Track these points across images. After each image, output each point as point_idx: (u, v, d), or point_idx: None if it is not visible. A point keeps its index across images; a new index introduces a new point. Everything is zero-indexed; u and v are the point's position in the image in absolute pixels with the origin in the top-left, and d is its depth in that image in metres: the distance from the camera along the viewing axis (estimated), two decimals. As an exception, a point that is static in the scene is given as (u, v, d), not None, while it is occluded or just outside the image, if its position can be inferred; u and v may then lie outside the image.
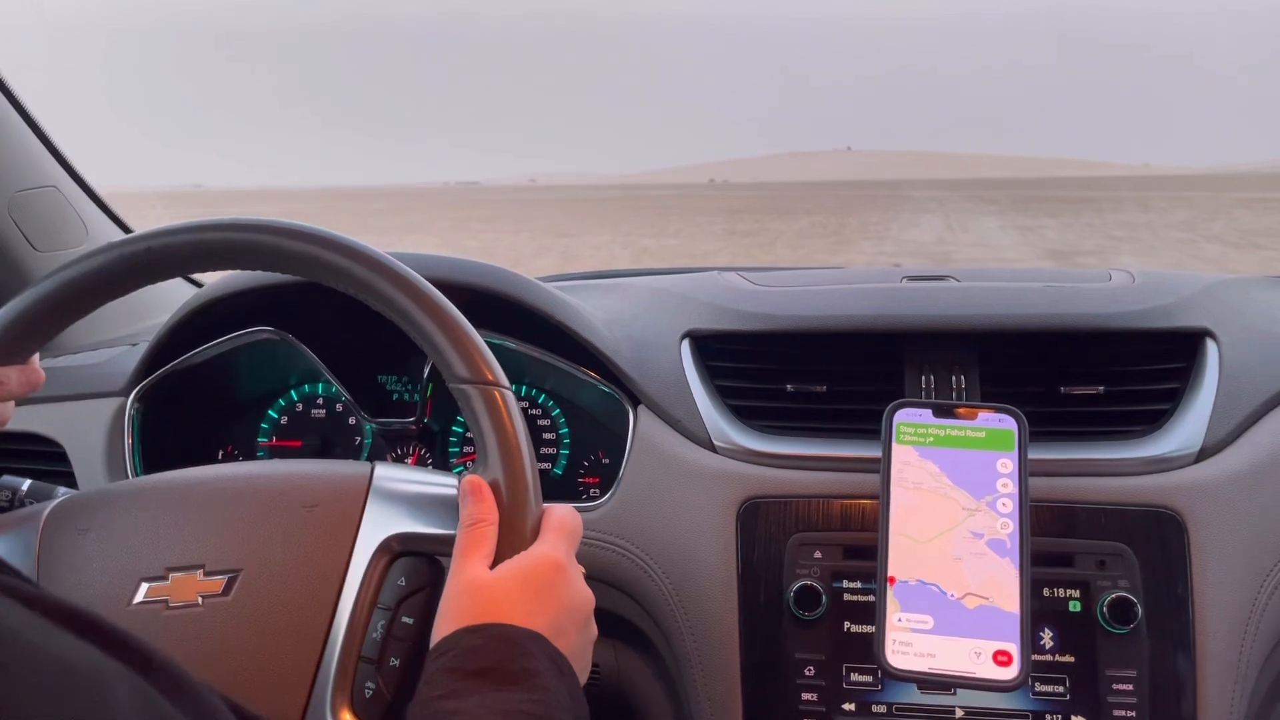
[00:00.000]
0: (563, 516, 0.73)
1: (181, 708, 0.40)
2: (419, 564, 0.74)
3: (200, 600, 0.70)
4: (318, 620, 0.69)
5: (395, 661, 0.70)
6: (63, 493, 0.85)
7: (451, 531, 0.71)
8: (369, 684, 0.69)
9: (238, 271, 1.14)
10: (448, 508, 0.74)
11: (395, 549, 0.73)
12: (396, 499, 0.74)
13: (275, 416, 1.25)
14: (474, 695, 0.60)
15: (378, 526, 0.73)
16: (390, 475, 0.76)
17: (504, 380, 0.73)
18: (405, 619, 0.72)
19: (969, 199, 46.73)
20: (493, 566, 0.68)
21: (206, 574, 0.71)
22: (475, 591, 0.66)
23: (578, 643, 0.69)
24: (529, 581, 0.67)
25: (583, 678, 0.69)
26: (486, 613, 0.65)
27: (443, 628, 0.65)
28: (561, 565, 0.69)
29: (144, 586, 0.71)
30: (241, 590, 0.70)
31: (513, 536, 0.70)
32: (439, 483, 0.76)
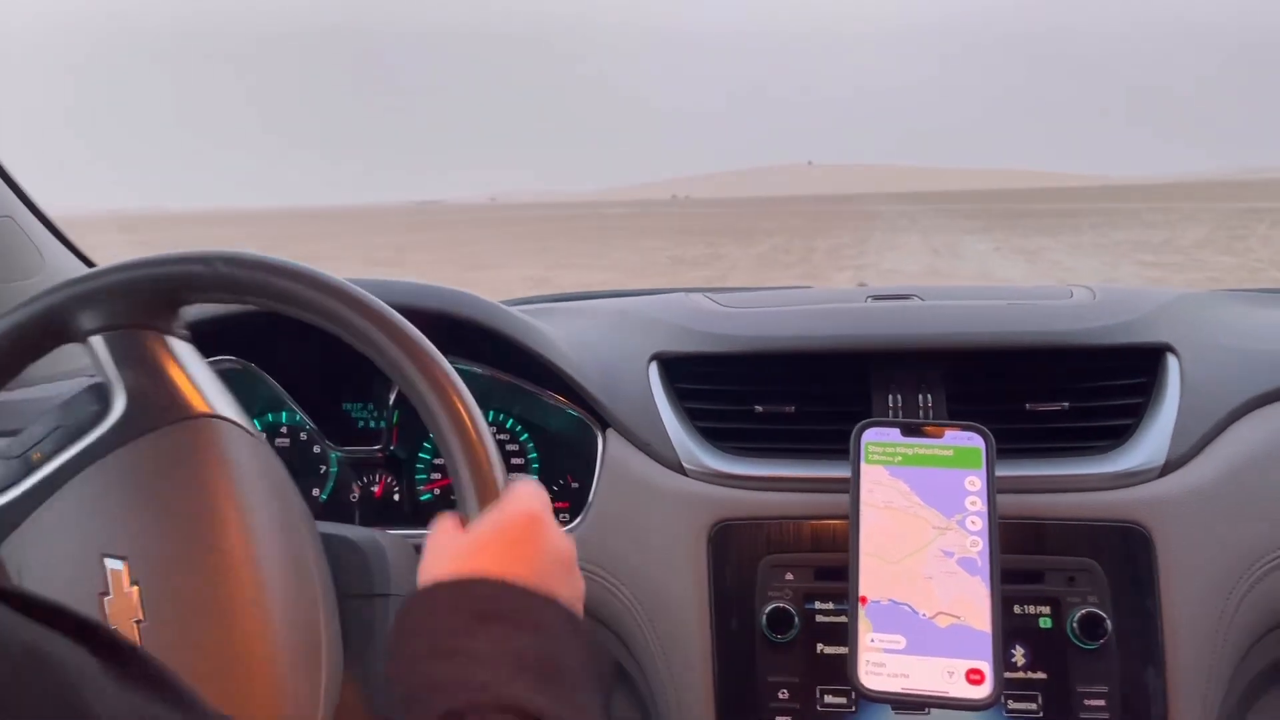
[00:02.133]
0: (528, 481, 0.71)
1: (162, 697, 0.39)
2: None
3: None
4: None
5: None
6: None
7: None
8: None
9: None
10: None
11: None
12: None
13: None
14: (480, 636, 0.57)
15: None
16: None
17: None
18: None
19: (941, 213, 45.30)
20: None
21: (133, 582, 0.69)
22: (448, 547, 0.65)
23: (566, 593, 0.65)
24: (504, 533, 0.65)
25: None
26: (466, 567, 0.62)
27: (420, 582, 0.63)
28: (537, 515, 0.67)
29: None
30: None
31: (477, 500, 0.68)
32: None
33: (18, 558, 0.70)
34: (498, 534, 0.65)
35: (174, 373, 0.73)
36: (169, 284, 0.73)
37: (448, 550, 0.65)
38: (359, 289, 0.72)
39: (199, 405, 0.73)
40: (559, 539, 0.67)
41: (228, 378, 1.14)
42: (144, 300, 0.74)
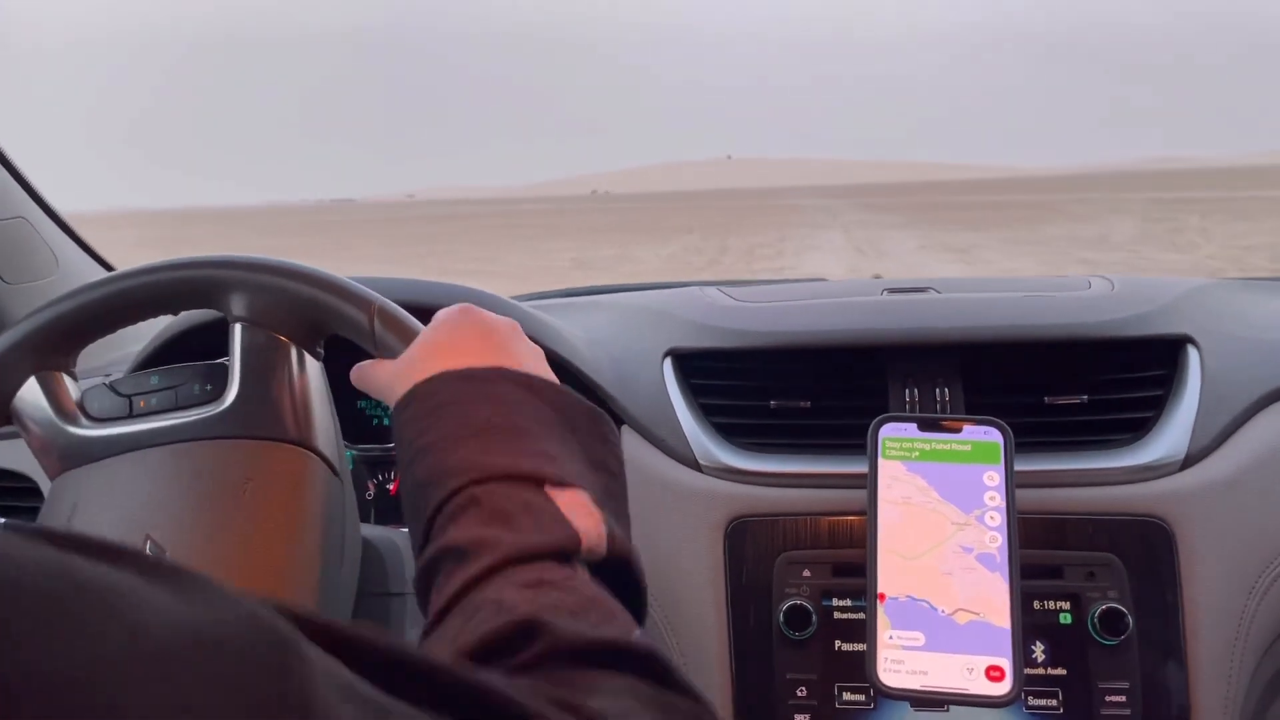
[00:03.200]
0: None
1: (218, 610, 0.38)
2: None
3: None
4: None
5: None
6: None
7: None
8: None
9: None
10: None
11: None
12: None
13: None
14: (440, 425, 0.59)
15: None
16: None
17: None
18: None
19: (861, 207, 43.49)
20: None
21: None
22: (392, 378, 0.65)
23: (529, 359, 0.66)
24: (433, 338, 0.66)
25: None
26: (425, 368, 0.63)
27: (393, 394, 0.64)
28: (466, 309, 0.67)
29: None
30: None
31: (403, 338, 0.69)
32: None
33: (72, 494, 0.70)
34: (428, 345, 0.65)
35: (291, 392, 0.74)
36: (325, 315, 0.74)
37: (397, 377, 0.65)
38: None
39: (297, 432, 0.73)
40: (488, 317, 0.67)
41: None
42: (303, 319, 0.74)
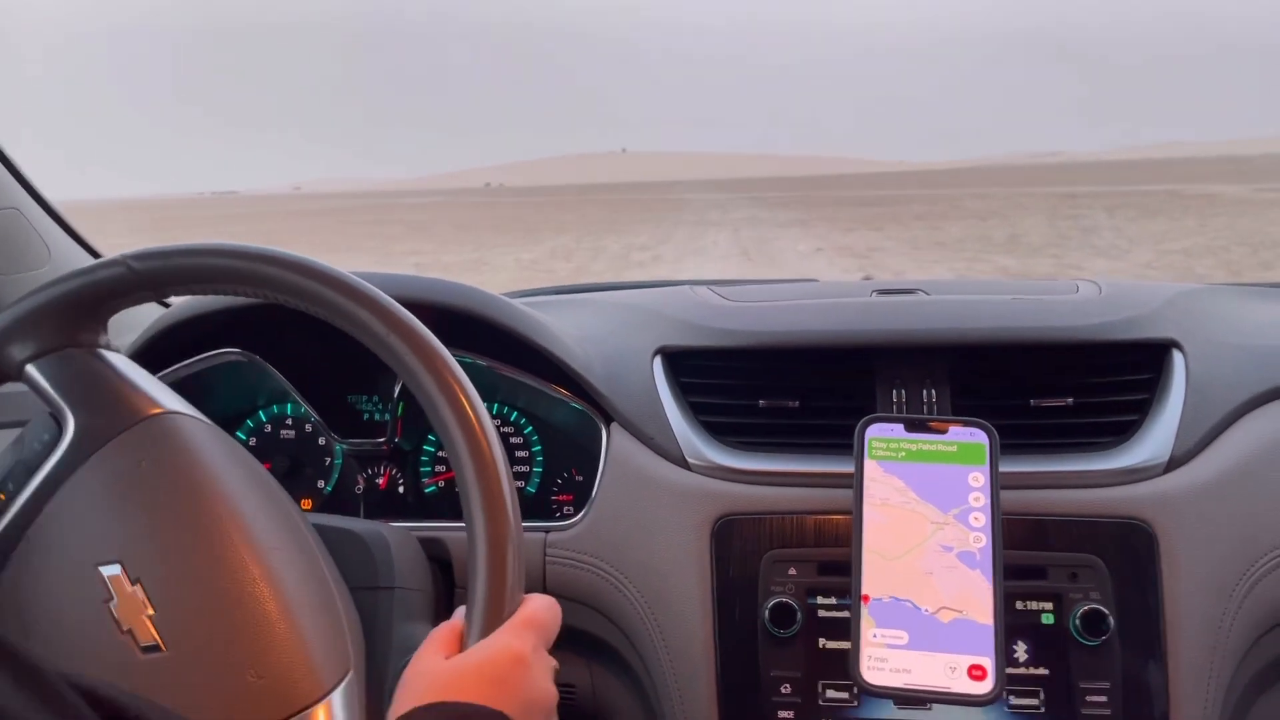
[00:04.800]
0: (537, 608, 0.70)
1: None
2: None
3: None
4: None
5: None
6: None
7: None
8: None
9: None
10: None
11: None
12: None
13: (244, 438, 1.24)
14: None
15: None
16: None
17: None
18: None
19: (753, 202, 40.29)
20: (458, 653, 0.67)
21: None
22: (430, 676, 0.65)
23: None
24: (484, 670, 0.65)
25: None
26: (440, 693, 0.63)
27: (397, 708, 0.64)
28: (524, 658, 0.66)
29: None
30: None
31: (480, 626, 0.67)
32: None
33: (15, 596, 0.70)
34: (480, 670, 0.65)
35: (115, 382, 0.74)
36: (89, 297, 0.74)
37: (427, 677, 0.65)
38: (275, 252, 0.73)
39: (148, 407, 0.74)
40: (541, 684, 0.67)
41: (232, 369, 1.15)
42: (68, 319, 0.74)
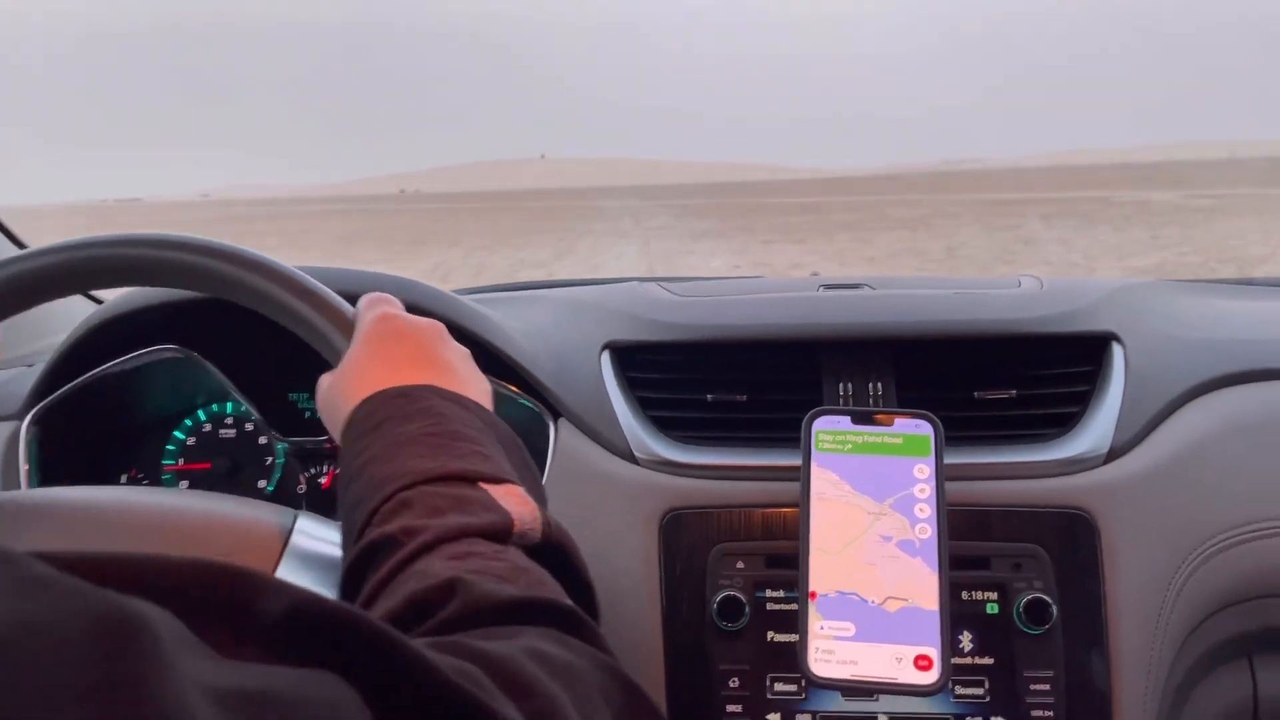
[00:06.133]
0: (369, 296, 0.74)
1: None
2: None
3: None
4: None
5: None
6: None
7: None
8: None
9: (140, 288, 1.10)
10: None
11: None
12: (313, 563, 0.67)
13: (182, 438, 1.21)
14: (373, 445, 0.60)
15: None
16: (311, 533, 0.69)
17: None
18: None
19: (670, 210, 38.13)
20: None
21: None
22: (332, 393, 0.67)
23: (453, 364, 0.69)
24: (369, 350, 0.67)
25: (485, 400, 0.69)
26: (358, 390, 0.64)
27: (334, 424, 0.67)
28: (389, 317, 0.69)
29: None
30: None
31: (341, 328, 0.71)
32: None
33: None
34: (364, 357, 0.67)
35: None
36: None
37: (335, 400, 0.67)
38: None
39: None
40: (411, 324, 0.70)
41: (169, 367, 1.13)
42: None
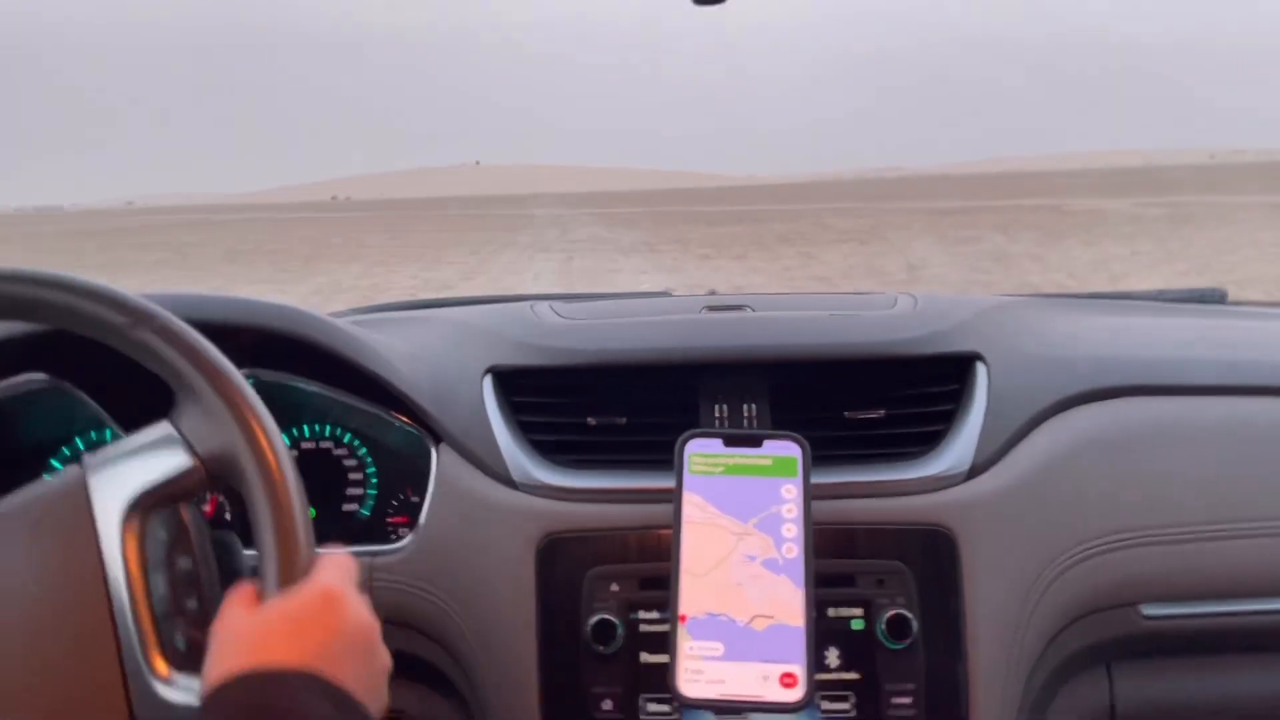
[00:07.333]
0: (336, 556, 0.70)
1: None
2: (172, 512, 0.71)
3: None
4: (97, 616, 0.66)
5: (192, 604, 0.69)
6: None
7: (190, 463, 0.69)
8: (178, 636, 0.67)
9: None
10: (171, 445, 0.71)
11: (144, 506, 0.69)
12: (118, 463, 0.71)
13: (59, 468, 1.18)
14: None
15: (112, 497, 0.68)
16: (102, 453, 0.72)
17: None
18: (183, 562, 0.70)
19: (600, 218, 36.20)
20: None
21: None
22: (236, 635, 0.63)
23: (361, 672, 0.64)
24: (293, 614, 0.64)
25: (376, 708, 0.65)
26: (248, 656, 0.61)
27: (209, 677, 0.62)
28: (332, 593, 0.65)
29: None
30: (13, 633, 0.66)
31: (274, 567, 0.66)
32: (150, 433, 0.73)
33: None
34: (288, 616, 0.63)
35: None
36: None
37: (235, 635, 0.63)
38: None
39: None
40: (356, 618, 0.65)
41: (37, 398, 1.10)
42: None
